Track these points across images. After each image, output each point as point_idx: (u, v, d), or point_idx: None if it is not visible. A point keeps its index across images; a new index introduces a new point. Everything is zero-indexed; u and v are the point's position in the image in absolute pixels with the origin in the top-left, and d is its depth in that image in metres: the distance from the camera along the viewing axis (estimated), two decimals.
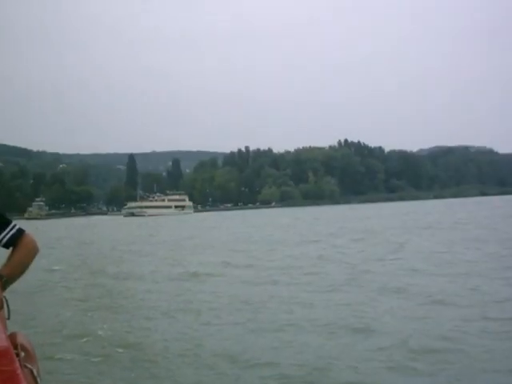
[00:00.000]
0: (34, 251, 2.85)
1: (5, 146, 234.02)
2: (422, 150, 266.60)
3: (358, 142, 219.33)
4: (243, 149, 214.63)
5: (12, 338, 2.48)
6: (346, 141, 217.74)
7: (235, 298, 17.62)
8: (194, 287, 20.40)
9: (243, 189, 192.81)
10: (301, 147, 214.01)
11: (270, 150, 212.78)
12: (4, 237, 2.79)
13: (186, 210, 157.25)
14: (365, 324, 13.34)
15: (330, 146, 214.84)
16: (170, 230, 66.45)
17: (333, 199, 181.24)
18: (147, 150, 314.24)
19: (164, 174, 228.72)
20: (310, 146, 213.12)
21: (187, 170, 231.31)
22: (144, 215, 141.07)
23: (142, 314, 15.88)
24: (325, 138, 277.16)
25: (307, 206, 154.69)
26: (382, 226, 53.07)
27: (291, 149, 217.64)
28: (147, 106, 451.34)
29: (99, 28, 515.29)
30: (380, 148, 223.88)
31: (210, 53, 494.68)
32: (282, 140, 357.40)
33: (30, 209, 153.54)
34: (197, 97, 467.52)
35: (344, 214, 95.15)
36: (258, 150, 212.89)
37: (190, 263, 28.29)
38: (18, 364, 2.19)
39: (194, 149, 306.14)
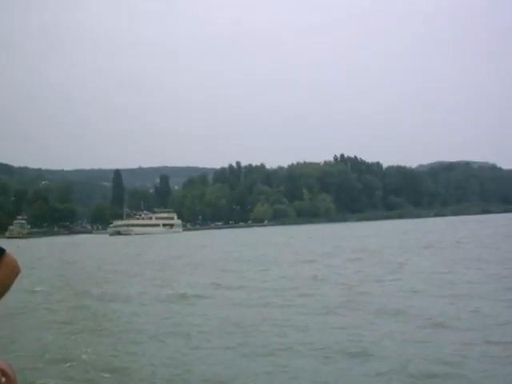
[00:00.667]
0: (15, 271, 2.86)
1: None
2: (421, 166, 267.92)
3: (355, 157, 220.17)
4: (234, 164, 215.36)
5: None
6: (342, 156, 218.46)
7: (226, 320, 17.60)
8: (183, 309, 20.38)
9: (234, 206, 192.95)
10: (295, 163, 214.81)
11: (262, 166, 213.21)
12: None
13: (174, 229, 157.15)
14: (362, 348, 13.35)
15: (326, 162, 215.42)
16: (158, 250, 66.32)
17: (328, 217, 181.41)
18: (134, 165, 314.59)
19: (151, 190, 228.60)
20: (304, 162, 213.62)
21: (176, 187, 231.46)
22: (130, 234, 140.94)
23: (129, 338, 15.85)
24: (320, 153, 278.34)
25: (301, 225, 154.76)
26: (379, 244, 53.14)
27: (285, 164, 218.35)
28: (133, 120, 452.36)
29: (82, 39, 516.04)
30: (378, 163, 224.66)
31: (198, 64, 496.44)
32: (275, 155, 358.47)
33: (11, 227, 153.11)
34: (185, 110, 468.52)
35: (340, 232, 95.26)
36: (250, 165, 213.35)
37: (178, 284, 28.26)
38: None
39: (183, 164, 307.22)
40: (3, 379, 2.45)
